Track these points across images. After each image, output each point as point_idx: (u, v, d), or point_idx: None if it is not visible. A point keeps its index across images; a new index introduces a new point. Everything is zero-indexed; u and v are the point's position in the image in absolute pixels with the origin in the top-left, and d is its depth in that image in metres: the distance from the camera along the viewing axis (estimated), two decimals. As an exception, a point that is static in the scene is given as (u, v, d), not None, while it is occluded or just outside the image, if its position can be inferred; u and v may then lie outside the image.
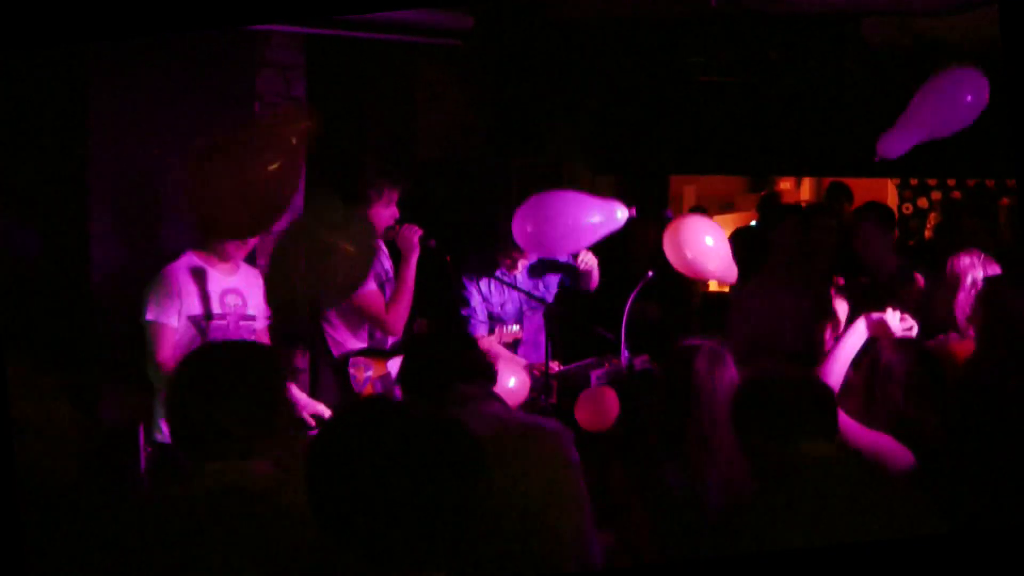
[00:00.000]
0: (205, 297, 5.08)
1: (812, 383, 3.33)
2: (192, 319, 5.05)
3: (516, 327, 6.05)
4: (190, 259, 5.13)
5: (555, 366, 5.82)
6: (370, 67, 7.80)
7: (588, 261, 6.09)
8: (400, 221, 5.69)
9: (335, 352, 5.70)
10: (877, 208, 6.75)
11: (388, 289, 5.74)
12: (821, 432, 3.14)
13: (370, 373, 5.50)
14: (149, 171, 5.76)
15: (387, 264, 5.81)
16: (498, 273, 6.15)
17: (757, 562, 2.79)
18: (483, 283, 6.19)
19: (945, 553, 2.83)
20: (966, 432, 4.05)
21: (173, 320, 4.98)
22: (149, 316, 4.98)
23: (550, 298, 6.34)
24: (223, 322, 5.12)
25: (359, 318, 5.68)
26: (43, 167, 5.53)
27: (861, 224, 6.37)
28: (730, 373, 3.98)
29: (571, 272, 6.26)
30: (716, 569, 2.81)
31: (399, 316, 5.59)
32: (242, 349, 3.14)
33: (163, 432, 5.05)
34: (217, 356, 2.95)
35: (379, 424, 2.06)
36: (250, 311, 5.23)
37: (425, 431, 2.05)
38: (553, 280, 6.42)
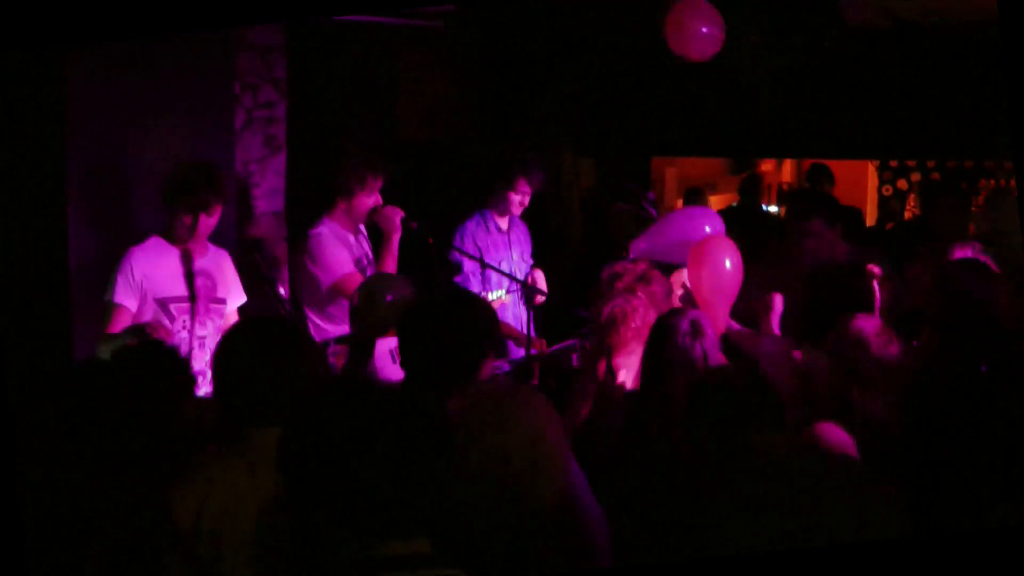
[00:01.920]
0: (172, 279, 5.05)
1: (762, 376, 3.32)
2: (159, 301, 5.02)
3: (502, 292, 6.09)
4: (156, 242, 5.09)
5: (540, 347, 5.85)
6: (351, 49, 7.77)
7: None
8: (381, 207, 5.68)
9: (317, 338, 5.70)
10: (821, 202, 6.78)
11: (369, 272, 5.73)
12: (771, 424, 3.13)
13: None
14: (128, 154, 5.73)
15: (366, 246, 5.80)
16: (491, 228, 6.36)
17: (758, 562, 2.79)
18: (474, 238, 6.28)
19: (914, 554, 2.84)
20: (927, 426, 4.03)
21: (130, 303, 4.96)
22: (107, 296, 4.97)
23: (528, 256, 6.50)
24: (194, 304, 5.09)
25: (342, 303, 5.66)
26: (20, 150, 5.49)
27: (810, 221, 6.22)
28: (710, 342, 3.99)
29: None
30: (716, 569, 2.80)
31: None
32: (282, 323, 3.45)
33: None
34: (264, 327, 3.21)
35: (348, 402, 2.07)
36: (219, 293, 5.21)
37: (390, 404, 2.05)
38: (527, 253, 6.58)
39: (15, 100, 5.26)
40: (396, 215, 5.62)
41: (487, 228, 6.42)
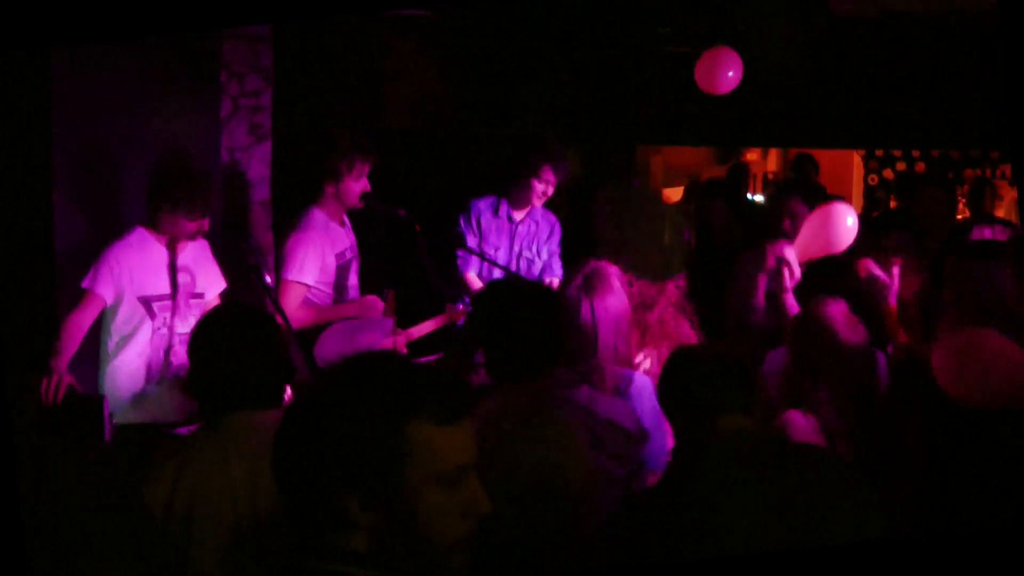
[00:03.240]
0: (155, 276, 5.02)
1: (731, 356, 3.26)
2: (142, 299, 4.98)
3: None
4: (140, 234, 5.04)
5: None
6: (337, 37, 7.76)
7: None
8: (370, 193, 5.65)
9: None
10: (800, 185, 6.80)
11: (354, 265, 5.72)
12: (740, 406, 3.09)
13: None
14: (114, 142, 5.71)
15: (349, 239, 5.76)
16: (500, 214, 6.28)
17: (759, 562, 2.78)
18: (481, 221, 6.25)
19: (913, 554, 2.84)
20: (934, 425, 4.02)
21: (106, 294, 4.92)
22: (84, 283, 4.92)
23: (538, 266, 6.41)
24: (173, 301, 5.06)
25: (326, 293, 5.64)
26: (5, 138, 5.47)
27: (789, 201, 6.22)
28: (613, 296, 3.86)
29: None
30: (716, 569, 2.80)
31: (303, 321, 5.46)
32: (255, 311, 3.43)
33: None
34: (237, 314, 3.27)
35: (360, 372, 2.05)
36: (198, 288, 5.17)
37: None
38: (548, 249, 6.47)
39: (2, 92, 5.25)
40: (388, 324, 5.57)
41: (496, 213, 6.30)
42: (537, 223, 6.44)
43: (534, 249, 6.44)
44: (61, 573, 2.64)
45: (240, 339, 3.09)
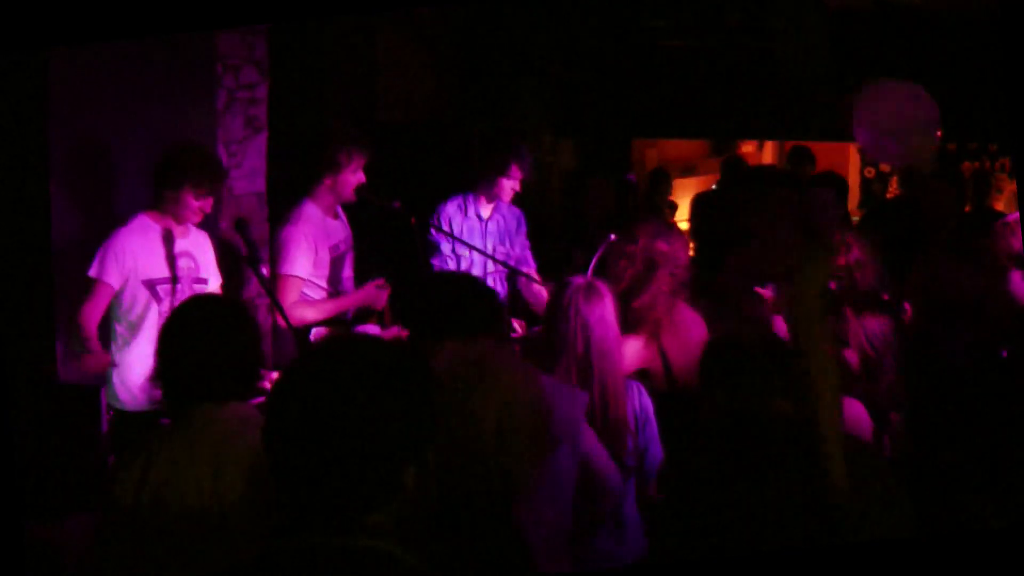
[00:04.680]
0: (157, 260, 5.04)
1: (777, 341, 3.30)
2: (145, 283, 5.01)
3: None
4: (143, 221, 5.07)
5: (518, 327, 5.85)
6: (332, 30, 7.75)
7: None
8: (365, 186, 5.64)
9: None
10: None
11: (349, 257, 5.72)
12: (785, 391, 3.10)
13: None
14: (111, 134, 5.71)
15: (344, 232, 5.75)
16: (470, 214, 6.30)
17: (758, 562, 2.78)
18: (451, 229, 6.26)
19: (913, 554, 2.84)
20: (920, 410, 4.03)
21: (113, 281, 4.96)
22: (91, 272, 4.95)
23: (513, 260, 6.39)
24: (178, 285, 5.08)
25: (319, 285, 5.63)
26: (2, 131, 5.47)
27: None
28: (604, 308, 3.90)
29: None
30: (715, 569, 2.80)
31: (303, 317, 5.41)
32: (225, 303, 3.51)
33: (120, 400, 5.05)
34: (205, 307, 3.30)
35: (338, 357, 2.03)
36: (202, 274, 5.21)
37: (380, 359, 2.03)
38: (519, 242, 6.50)
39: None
40: (382, 298, 5.57)
41: (466, 213, 6.36)
42: (504, 217, 6.52)
43: (507, 243, 6.51)
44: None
45: (205, 332, 3.09)
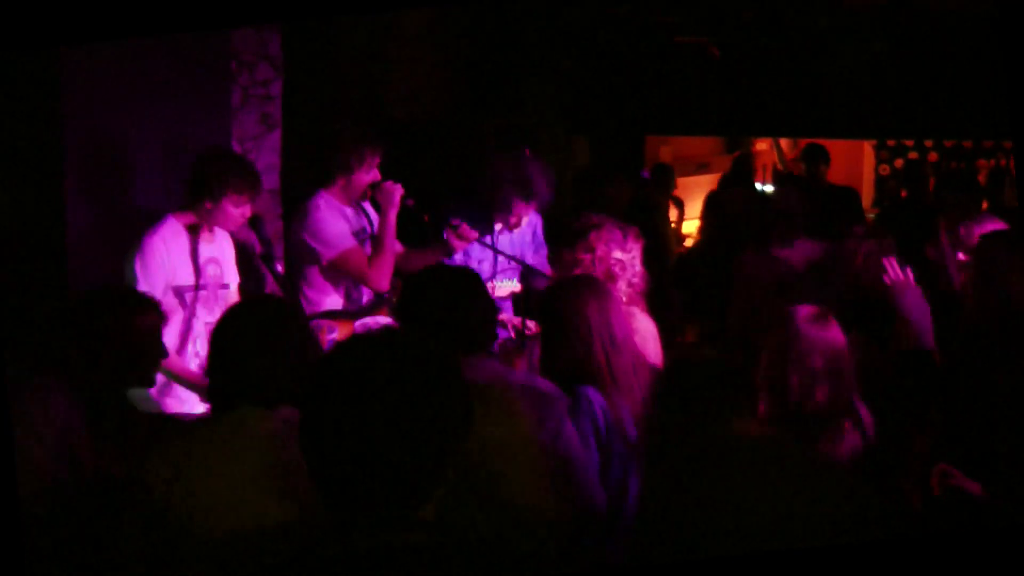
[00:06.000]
0: (186, 268, 4.97)
1: (735, 361, 3.27)
2: (175, 290, 4.93)
3: (514, 281, 6.02)
4: (172, 225, 4.96)
5: (532, 326, 5.83)
6: (345, 26, 7.76)
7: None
8: (379, 183, 5.65)
9: (307, 311, 5.67)
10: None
11: (367, 246, 5.72)
12: (744, 410, 3.08)
13: (334, 335, 5.45)
14: (125, 132, 5.71)
15: (364, 220, 5.77)
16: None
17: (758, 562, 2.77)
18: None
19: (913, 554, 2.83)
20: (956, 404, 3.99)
21: (159, 291, 4.80)
22: (142, 288, 4.70)
23: (529, 258, 6.35)
24: (204, 292, 5.02)
25: (338, 277, 5.65)
26: (17, 129, 5.48)
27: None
28: (614, 305, 3.91)
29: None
30: (716, 569, 2.79)
31: (382, 271, 5.54)
32: (277, 306, 3.46)
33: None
34: (259, 311, 3.29)
35: (374, 356, 2.01)
36: (226, 279, 5.16)
37: (418, 363, 2.01)
38: (532, 251, 6.40)
39: (11, 78, 5.25)
40: (396, 191, 5.56)
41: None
42: (518, 235, 6.27)
43: (518, 254, 6.26)
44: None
45: (260, 336, 3.11)
